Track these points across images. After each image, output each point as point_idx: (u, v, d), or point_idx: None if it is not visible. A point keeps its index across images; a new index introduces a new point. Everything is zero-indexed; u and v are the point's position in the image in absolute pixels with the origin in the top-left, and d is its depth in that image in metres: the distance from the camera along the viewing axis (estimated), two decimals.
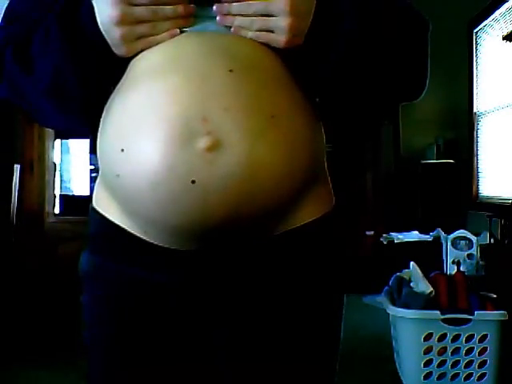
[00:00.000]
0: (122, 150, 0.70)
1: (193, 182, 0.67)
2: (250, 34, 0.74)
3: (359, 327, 3.85)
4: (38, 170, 4.18)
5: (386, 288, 2.87)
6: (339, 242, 0.84)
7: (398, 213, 5.03)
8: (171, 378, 0.79)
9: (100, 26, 0.72)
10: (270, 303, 0.76)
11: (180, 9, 0.73)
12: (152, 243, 0.75)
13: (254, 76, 0.72)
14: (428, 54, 0.86)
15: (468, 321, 2.54)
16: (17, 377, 3.02)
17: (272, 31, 0.73)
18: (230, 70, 0.70)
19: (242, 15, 0.73)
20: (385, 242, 4.41)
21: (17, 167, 3.70)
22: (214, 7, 0.74)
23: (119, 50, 0.74)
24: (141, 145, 0.69)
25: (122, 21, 0.71)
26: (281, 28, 0.72)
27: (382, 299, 2.87)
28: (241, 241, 0.74)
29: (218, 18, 0.74)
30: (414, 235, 4.33)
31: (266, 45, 0.74)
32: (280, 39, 0.73)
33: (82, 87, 0.76)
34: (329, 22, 0.73)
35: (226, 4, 0.73)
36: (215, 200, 0.68)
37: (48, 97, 0.78)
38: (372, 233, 4.94)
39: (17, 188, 3.64)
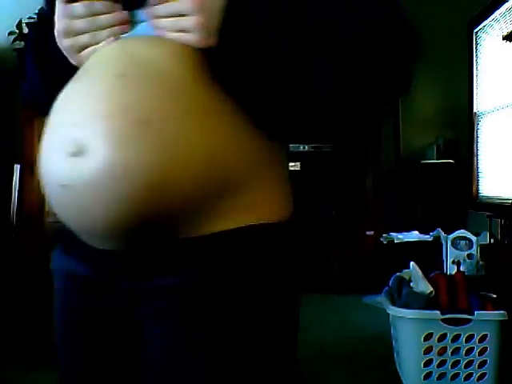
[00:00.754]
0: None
1: (63, 186, 0.70)
2: (169, 35, 0.74)
3: (359, 327, 3.85)
4: (38, 170, 4.19)
5: (386, 288, 2.87)
6: (267, 257, 0.75)
7: (398, 213, 5.03)
8: (104, 377, 0.81)
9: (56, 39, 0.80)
10: (186, 306, 0.73)
11: (113, 17, 0.76)
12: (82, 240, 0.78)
13: (140, 80, 0.70)
14: (406, 56, 0.75)
15: (468, 321, 2.54)
16: (16, 377, 3.02)
17: (189, 31, 0.73)
18: (116, 75, 0.71)
19: (165, 17, 0.74)
20: (385, 242, 4.41)
21: (17, 167, 3.70)
22: (145, 11, 0.76)
23: (72, 59, 0.79)
24: (41, 151, 0.76)
25: (66, 33, 0.78)
26: (191, 27, 0.72)
27: (381, 299, 2.87)
28: (142, 244, 0.73)
29: (147, 21, 0.76)
30: (414, 235, 4.33)
31: (193, 47, 0.73)
32: (193, 38, 0.72)
33: (48, 93, 0.80)
34: (242, 20, 0.71)
35: (152, 7, 0.75)
36: (85, 204, 0.69)
37: (31, 101, 0.87)
38: (372, 233, 4.94)
39: (17, 188, 3.64)
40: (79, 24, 0.77)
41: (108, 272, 0.77)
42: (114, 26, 0.76)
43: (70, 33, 0.78)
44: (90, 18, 0.76)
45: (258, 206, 0.76)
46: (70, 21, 0.77)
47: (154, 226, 0.71)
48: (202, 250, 0.72)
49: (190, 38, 0.72)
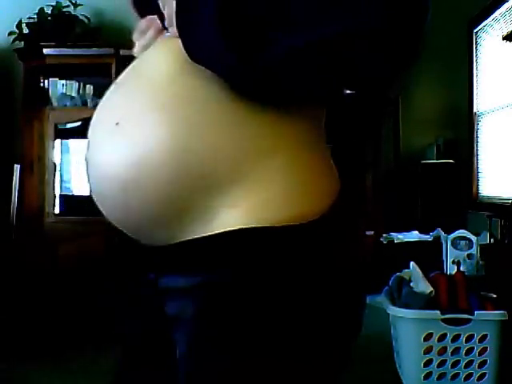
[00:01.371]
0: None
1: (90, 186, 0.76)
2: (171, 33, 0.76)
3: None
4: (38, 170, 4.18)
5: (386, 288, 2.87)
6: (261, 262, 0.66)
7: (398, 213, 5.03)
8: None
9: None
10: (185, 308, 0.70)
11: (153, 30, 0.80)
12: None
13: (130, 83, 0.74)
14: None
15: (468, 321, 2.54)
16: (16, 377, 3.02)
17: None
18: (117, 83, 0.76)
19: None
20: (385, 242, 4.41)
21: (17, 167, 3.70)
22: None
23: None
24: None
25: (141, 48, 0.81)
26: (169, 20, 0.73)
27: (382, 299, 2.87)
28: (148, 243, 0.73)
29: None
30: (414, 235, 4.34)
31: None
32: (173, 32, 0.70)
33: None
34: (191, 8, 0.64)
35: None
36: (99, 201, 0.74)
37: None
38: (372, 233, 4.94)
39: (17, 188, 3.64)
40: (141, 43, 0.82)
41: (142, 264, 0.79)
42: (156, 33, 0.79)
43: (144, 47, 0.82)
44: (145, 32, 0.81)
45: (263, 204, 0.67)
46: (137, 43, 0.83)
47: (143, 225, 0.70)
48: (197, 253, 0.69)
49: (174, 31, 0.71)
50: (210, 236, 0.67)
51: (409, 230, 4.44)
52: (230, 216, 0.66)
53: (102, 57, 4.17)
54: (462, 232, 3.30)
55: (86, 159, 0.75)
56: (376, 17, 0.57)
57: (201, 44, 0.64)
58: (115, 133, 0.69)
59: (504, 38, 4.00)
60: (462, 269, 3.05)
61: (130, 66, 0.77)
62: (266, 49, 0.59)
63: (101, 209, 0.74)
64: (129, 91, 0.72)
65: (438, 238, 3.71)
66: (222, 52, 0.61)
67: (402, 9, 0.58)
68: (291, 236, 0.66)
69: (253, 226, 0.66)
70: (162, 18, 0.77)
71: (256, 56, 0.60)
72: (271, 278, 0.65)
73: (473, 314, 2.53)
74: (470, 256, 3.22)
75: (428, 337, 2.56)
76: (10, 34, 4.30)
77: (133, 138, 0.68)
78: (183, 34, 0.65)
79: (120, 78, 0.76)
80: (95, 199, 0.74)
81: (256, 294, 0.65)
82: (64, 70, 4.24)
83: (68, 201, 4.46)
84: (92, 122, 0.75)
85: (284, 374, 0.66)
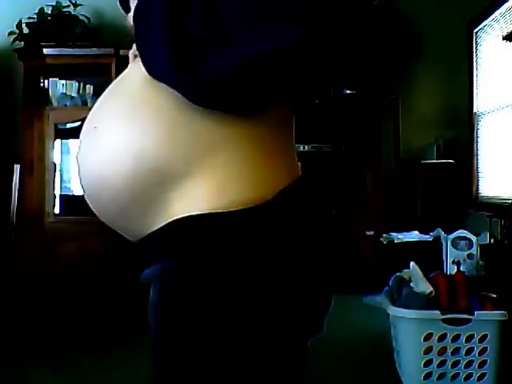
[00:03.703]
0: None
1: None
2: None
3: (359, 327, 3.85)
4: (38, 170, 4.18)
5: (386, 288, 2.87)
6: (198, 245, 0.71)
7: (398, 213, 5.02)
8: None
9: None
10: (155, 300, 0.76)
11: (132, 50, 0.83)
12: None
13: (110, 94, 0.80)
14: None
15: (468, 321, 2.54)
16: (16, 377, 3.02)
17: None
18: (104, 93, 0.81)
19: None
20: (385, 242, 4.41)
21: (17, 167, 3.70)
22: None
23: None
24: None
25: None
26: None
27: (382, 299, 2.87)
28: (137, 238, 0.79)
29: None
30: (414, 235, 4.33)
31: None
32: None
33: None
34: (146, 37, 0.73)
35: None
36: (86, 196, 0.81)
37: None
38: (372, 233, 4.94)
39: (17, 188, 3.63)
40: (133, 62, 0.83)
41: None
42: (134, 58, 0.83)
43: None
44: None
45: (210, 194, 0.72)
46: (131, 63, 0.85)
47: (116, 220, 0.78)
48: (155, 244, 0.76)
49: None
50: (161, 227, 0.74)
51: (409, 230, 4.43)
52: (179, 206, 0.73)
53: (102, 57, 4.18)
54: (461, 232, 3.30)
55: (76, 159, 0.82)
56: (296, 40, 0.66)
57: (155, 64, 0.72)
58: (92, 135, 0.78)
59: (504, 38, 4.00)
60: (462, 269, 3.05)
61: (116, 79, 0.83)
62: (203, 67, 0.67)
63: (88, 203, 0.81)
64: (107, 100, 0.80)
65: (437, 238, 3.71)
66: (169, 71, 0.70)
67: (320, 33, 0.68)
68: (227, 221, 0.71)
69: (192, 214, 0.71)
70: None
71: (193, 75, 0.68)
72: (212, 262, 0.71)
73: (473, 314, 2.53)
74: (470, 256, 3.22)
75: (428, 337, 2.56)
76: (10, 33, 4.30)
77: (103, 140, 0.76)
78: (142, 56, 0.74)
79: (107, 88, 0.82)
80: (84, 195, 0.81)
81: (200, 279, 0.71)
82: (64, 70, 4.24)
83: (68, 201, 4.46)
84: (83, 127, 0.82)
85: (233, 357, 0.71)
